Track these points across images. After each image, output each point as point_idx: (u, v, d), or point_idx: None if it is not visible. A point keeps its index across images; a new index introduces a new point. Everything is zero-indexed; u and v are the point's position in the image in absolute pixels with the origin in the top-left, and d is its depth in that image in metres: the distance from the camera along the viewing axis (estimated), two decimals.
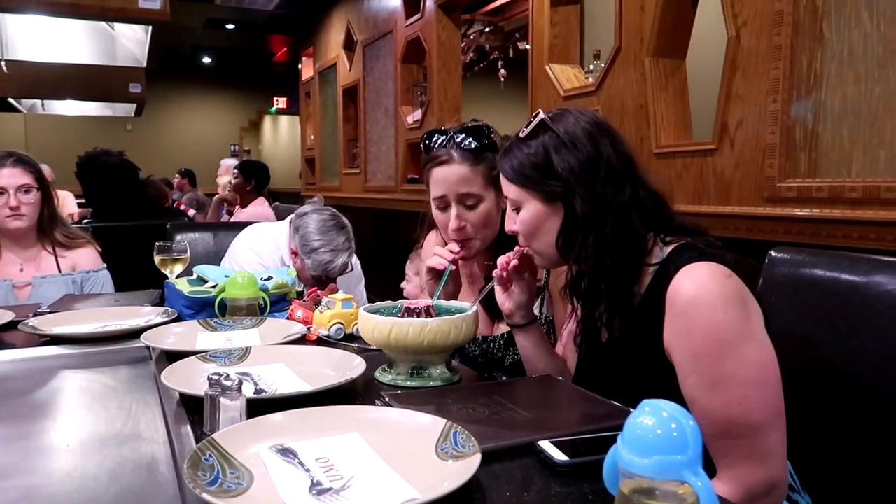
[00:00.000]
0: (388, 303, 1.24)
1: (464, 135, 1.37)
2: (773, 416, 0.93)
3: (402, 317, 1.14)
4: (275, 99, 12.18)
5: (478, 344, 1.46)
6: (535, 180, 1.08)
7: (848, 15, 1.85)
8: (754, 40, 2.08)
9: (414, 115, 4.75)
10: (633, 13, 2.58)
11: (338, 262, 2.11)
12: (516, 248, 1.19)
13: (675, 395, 0.96)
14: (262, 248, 2.27)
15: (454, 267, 1.31)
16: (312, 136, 7.20)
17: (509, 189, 1.12)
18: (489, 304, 1.33)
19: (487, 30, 6.13)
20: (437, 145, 1.38)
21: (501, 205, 1.41)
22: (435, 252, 1.36)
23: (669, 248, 1.04)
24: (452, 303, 1.26)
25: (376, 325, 1.11)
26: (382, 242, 5.25)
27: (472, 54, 6.32)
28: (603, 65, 2.85)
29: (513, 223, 1.14)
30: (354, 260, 2.38)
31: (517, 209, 1.12)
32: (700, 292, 0.94)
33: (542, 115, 1.10)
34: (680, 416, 0.55)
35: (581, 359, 1.19)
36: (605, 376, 1.10)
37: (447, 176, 1.36)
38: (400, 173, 4.86)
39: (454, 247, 1.34)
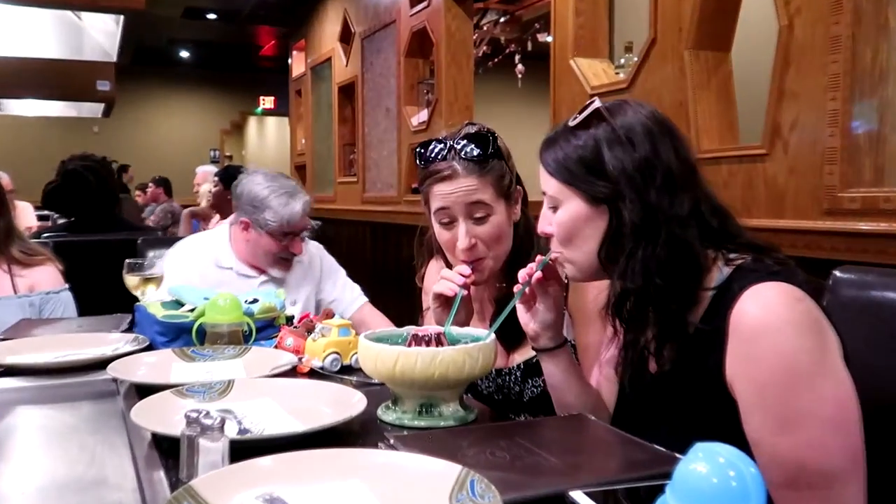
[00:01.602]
0: (392, 329, 1.24)
1: (466, 142, 1.37)
2: (851, 462, 0.91)
3: (409, 345, 1.13)
4: (261, 98, 12.28)
5: (491, 379, 1.45)
6: (580, 177, 1.07)
7: None
8: (809, 30, 2.07)
9: (419, 116, 4.77)
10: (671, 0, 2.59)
11: (298, 205, 2.13)
12: (538, 257, 1.18)
13: (737, 438, 0.94)
14: (190, 264, 2.22)
15: (465, 292, 1.30)
16: (303, 141, 7.24)
17: (549, 184, 1.11)
18: (502, 331, 1.32)
19: (503, 20, 6.17)
20: (435, 157, 1.38)
21: (512, 217, 1.42)
22: (442, 276, 1.35)
23: (731, 268, 1.02)
24: (467, 330, 1.25)
25: (379, 356, 1.10)
26: (383, 261, 5.25)
27: (485, 47, 6.36)
28: (636, 59, 2.85)
29: (547, 223, 1.14)
30: (322, 249, 2.40)
31: (554, 208, 1.11)
32: (768, 317, 0.93)
33: (597, 104, 1.09)
34: (739, 462, 0.54)
35: (623, 393, 1.17)
36: (652, 414, 1.09)
37: (452, 191, 1.36)
38: (403, 182, 4.88)
39: (464, 269, 1.34)
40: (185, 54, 11.31)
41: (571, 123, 1.10)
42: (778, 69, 2.15)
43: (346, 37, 5.89)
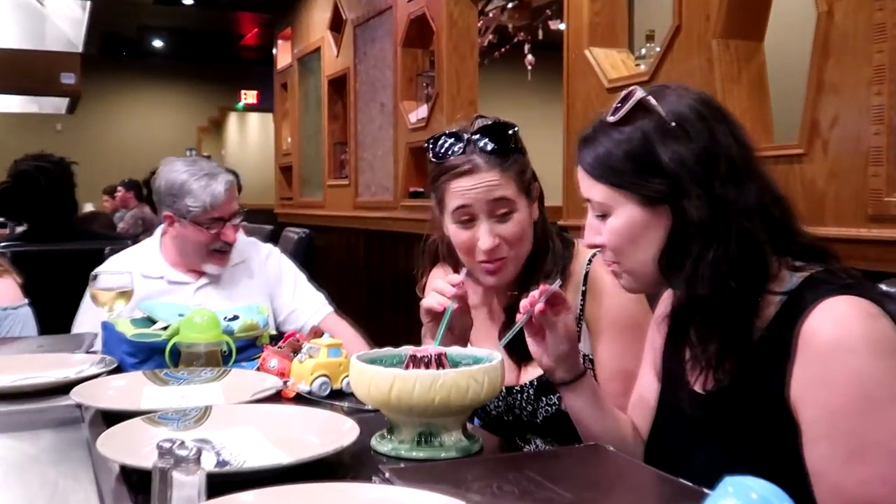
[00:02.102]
0: (387, 350, 1.24)
1: (486, 134, 1.38)
2: None
3: (407, 367, 1.13)
4: (243, 92, 12.30)
5: (501, 398, 1.45)
6: (631, 177, 1.06)
7: None
8: (851, 17, 2.08)
9: (418, 113, 4.77)
10: None
11: (219, 185, 2.13)
12: (542, 285, 1.18)
13: (792, 464, 0.94)
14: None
15: (457, 305, 1.30)
16: (290, 139, 7.25)
17: (593, 190, 1.10)
18: (513, 344, 1.33)
19: (511, 5, 6.19)
20: (451, 153, 1.38)
21: (532, 216, 1.43)
22: (433, 288, 1.35)
23: (800, 277, 1.02)
24: (471, 350, 1.25)
25: (373, 379, 1.10)
26: (378, 273, 5.25)
27: (491, 36, 6.37)
28: (658, 49, 2.86)
29: (595, 234, 1.12)
30: (277, 252, 2.38)
31: (604, 216, 1.10)
32: (843, 335, 0.93)
33: (639, 94, 1.08)
34: (774, 499, 0.54)
35: (662, 414, 1.17)
36: (691, 439, 1.09)
37: (473, 186, 1.37)
38: (400, 186, 4.88)
39: (455, 277, 1.34)
40: (158, 44, 11.34)
41: (611, 118, 1.09)
42: (816, 60, 2.15)
43: (336, 24, 5.91)
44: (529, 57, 6.27)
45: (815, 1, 2.17)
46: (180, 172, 2.15)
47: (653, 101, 1.07)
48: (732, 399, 1.03)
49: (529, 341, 1.22)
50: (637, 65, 3.13)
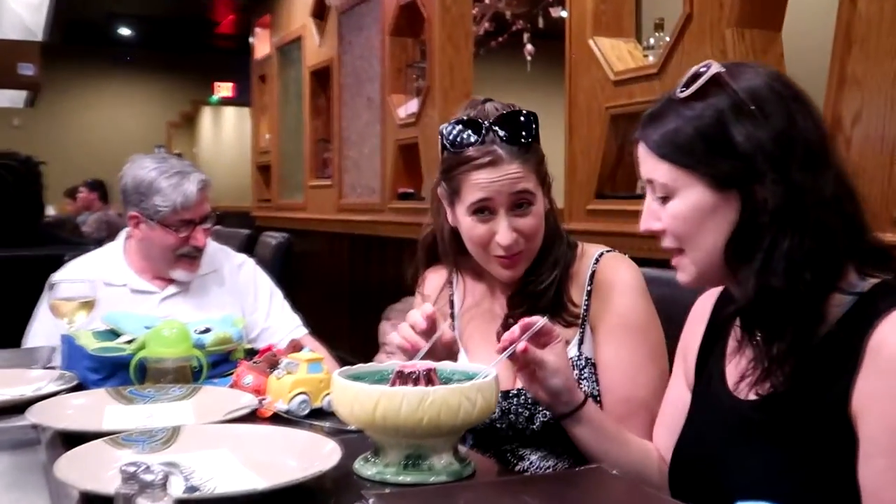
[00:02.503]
0: (372, 365, 1.23)
1: (505, 126, 1.41)
2: None
3: (393, 384, 1.13)
4: (217, 85, 12.30)
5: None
6: (701, 157, 1.06)
7: None
8: (876, 4, 2.09)
9: (407, 107, 4.78)
10: None
11: (191, 185, 2.13)
12: (523, 321, 1.19)
13: (845, 480, 0.96)
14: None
15: (429, 345, 1.30)
16: (268, 136, 7.25)
17: (657, 169, 1.10)
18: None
19: None
20: (471, 142, 1.41)
21: (545, 206, 1.47)
22: (400, 334, 1.35)
23: (870, 282, 1.04)
24: (463, 365, 1.25)
25: (356, 397, 1.10)
26: (364, 281, 5.26)
27: (487, 24, 6.38)
28: (668, 38, 2.87)
29: (654, 219, 1.12)
30: (252, 263, 2.38)
31: (665, 198, 1.10)
32: None
33: (715, 68, 1.09)
34: None
35: (705, 425, 1.17)
36: (735, 450, 1.09)
37: (496, 178, 1.40)
38: (388, 187, 4.89)
39: (427, 308, 1.35)
40: (126, 32, 11.34)
41: (681, 94, 1.09)
42: (838, 51, 2.17)
43: (319, 11, 5.92)
44: (529, 47, 6.27)
45: None
46: (149, 170, 2.15)
47: (727, 77, 1.07)
48: (785, 406, 1.04)
49: (520, 375, 1.24)
50: (645, 56, 3.14)
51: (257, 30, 7.46)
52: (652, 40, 3.27)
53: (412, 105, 4.72)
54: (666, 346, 1.46)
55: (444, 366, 1.23)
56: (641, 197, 3.63)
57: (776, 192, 1.02)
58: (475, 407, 1.09)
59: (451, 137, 1.43)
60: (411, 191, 4.78)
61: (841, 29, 2.17)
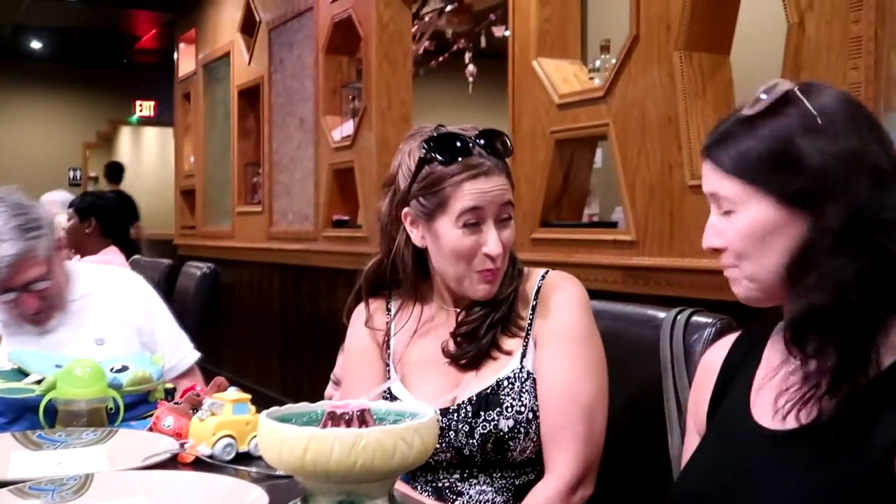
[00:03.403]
0: (302, 406, 1.23)
1: (489, 140, 1.51)
2: None
3: (325, 426, 1.13)
4: (138, 103, 12.17)
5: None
6: (770, 174, 1.10)
7: None
8: (825, 29, 2.17)
9: (342, 129, 4.79)
10: None
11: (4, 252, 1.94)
12: None
13: None
14: None
15: None
16: (193, 158, 7.19)
17: (723, 184, 1.13)
18: (451, 354, 1.46)
19: (450, 9, 6.26)
20: (461, 155, 1.49)
21: None
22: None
23: None
24: (399, 405, 1.25)
25: (285, 440, 1.09)
26: (295, 314, 5.22)
27: (427, 43, 6.43)
28: (614, 61, 2.93)
29: (716, 236, 1.15)
30: (140, 283, 2.29)
31: (730, 212, 1.13)
32: None
33: (787, 85, 1.13)
34: None
35: (721, 459, 1.19)
36: (753, 486, 1.11)
37: (490, 189, 1.49)
38: (322, 213, 4.87)
39: (335, 395, 1.38)
40: (36, 45, 11.17)
41: (748, 112, 1.13)
42: (787, 75, 2.23)
43: (248, 27, 5.91)
44: (471, 67, 6.34)
45: (785, 11, 2.26)
46: None
47: (799, 94, 1.12)
48: (819, 438, 1.06)
49: None
50: (591, 78, 3.20)
51: (181, 45, 7.42)
52: (598, 62, 3.34)
53: (347, 127, 4.73)
54: (607, 368, 1.52)
55: (380, 406, 1.23)
56: (588, 226, 3.69)
57: (843, 213, 1.06)
58: (412, 449, 1.09)
59: (435, 152, 1.50)
60: (346, 218, 4.78)
61: (789, 54, 2.24)
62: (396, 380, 1.56)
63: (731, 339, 1.30)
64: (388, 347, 1.60)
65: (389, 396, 1.52)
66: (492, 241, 1.48)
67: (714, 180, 1.14)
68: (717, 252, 1.16)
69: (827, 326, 1.07)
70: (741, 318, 1.30)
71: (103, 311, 2.16)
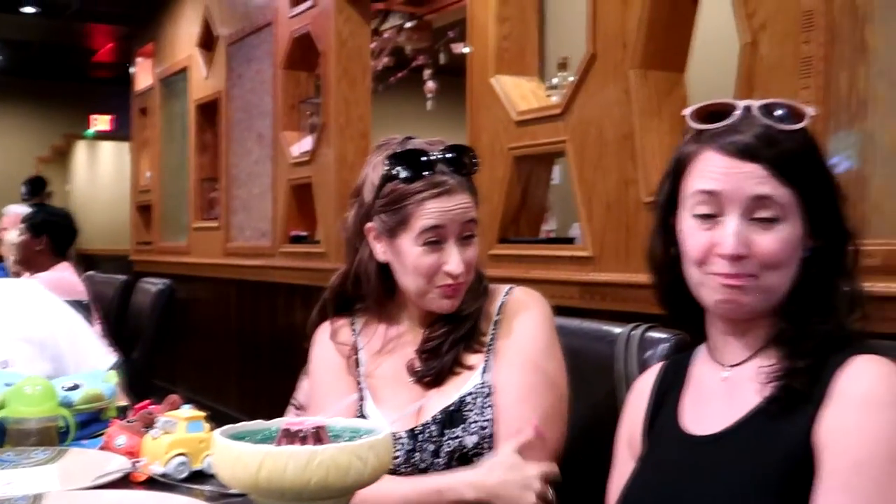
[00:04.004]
0: (257, 423, 1.22)
1: (454, 157, 1.51)
2: None
3: (279, 444, 1.12)
4: (93, 117, 12.07)
5: (401, 445, 1.48)
6: (817, 189, 1.15)
7: None
8: (776, 49, 2.21)
9: (301, 145, 4.78)
10: (613, 8, 2.70)
11: None
12: None
13: None
14: None
15: None
16: (149, 173, 7.13)
17: (779, 190, 1.13)
18: (415, 371, 1.49)
19: (409, 25, 6.30)
20: (423, 173, 1.49)
21: None
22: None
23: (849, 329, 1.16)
24: (355, 421, 1.25)
25: (239, 458, 1.08)
26: (252, 330, 5.19)
27: (386, 59, 6.46)
28: (571, 78, 2.95)
29: (743, 244, 1.12)
30: (38, 292, 2.23)
31: (770, 220, 1.13)
32: (883, 389, 1.05)
33: (813, 110, 1.17)
34: None
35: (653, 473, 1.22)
36: (683, 489, 1.15)
37: (451, 207, 1.49)
38: (279, 229, 4.85)
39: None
40: None
41: (791, 126, 1.15)
42: (740, 94, 2.26)
43: (206, 42, 5.89)
44: (430, 83, 6.38)
45: (738, 30, 2.30)
46: None
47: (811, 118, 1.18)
48: (746, 437, 1.12)
49: None
50: (549, 95, 3.23)
51: (139, 59, 7.36)
52: (556, 80, 3.36)
53: (306, 143, 4.72)
54: (567, 383, 1.53)
55: (335, 422, 1.23)
56: (546, 242, 3.70)
57: (839, 232, 1.16)
58: (367, 466, 1.09)
59: (398, 169, 1.50)
60: (304, 234, 4.76)
61: (743, 73, 2.28)
62: (368, 397, 1.55)
63: (657, 368, 1.35)
64: (357, 365, 1.59)
65: (361, 415, 1.51)
66: (453, 260, 1.49)
67: (766, 184, 1.12)
68: (732, 260, 1.13)
69: (817, 340, 1.13)
70: (695, 334, 1.32)
71: (1, 330, 2.06)
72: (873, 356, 1.09)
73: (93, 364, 2.11)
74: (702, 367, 1.25)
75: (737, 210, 1.13)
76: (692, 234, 1.16)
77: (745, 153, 1.13)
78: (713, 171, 1.15)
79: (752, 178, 1.12)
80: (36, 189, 9.15)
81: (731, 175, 1.13)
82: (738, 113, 1.16)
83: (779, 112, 1.15)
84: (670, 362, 1.33)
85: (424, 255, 1.49)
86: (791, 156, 1.13)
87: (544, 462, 1.42)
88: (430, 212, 1.48)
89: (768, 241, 1.12)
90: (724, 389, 1.19)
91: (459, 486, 1.39)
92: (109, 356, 2.21)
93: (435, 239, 1.49)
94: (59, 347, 2.11)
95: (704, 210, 1.15)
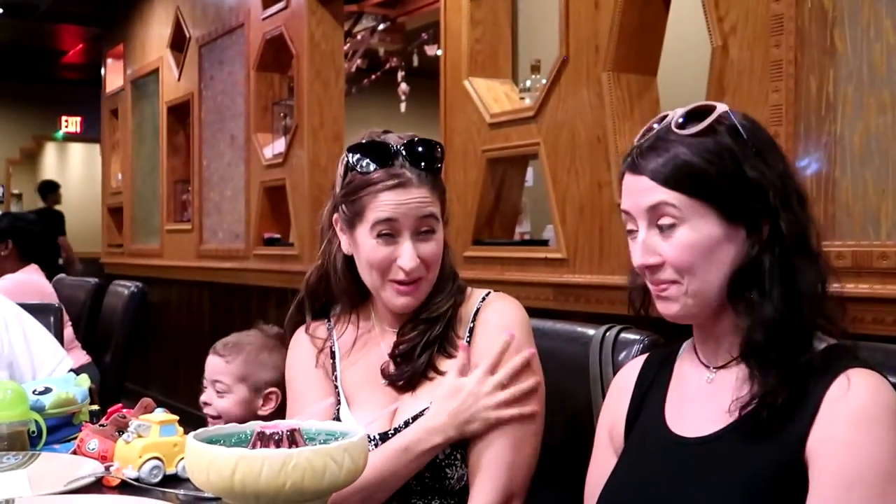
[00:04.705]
0: (231, 426, 1.22)
1: (416, 151, 1.48)
2: None
3: (254, 447, 1.12)
4: (63, 119, 11.98)
5: (371, 443, 1.46)
6: (716, 189, 1.13)
7: (865, 23, 2.02)
8: (747, 52, 2.23)
9: (274, 147, 4.77)
10: (585, 12, 2.72)
11: None
12: None
13: None
14: None
15: None
16: (121, 175, 7.08)
17: (667, 197, 1.14)
18: (389, 374, 1.47)
19: (382, 27, 6.30)
20: (379, 165, 1.47)
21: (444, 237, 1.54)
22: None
23: (825, 341, 1.15)
24: (329, 424, 1.25)
25: (213, 461, 1.08)
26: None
27: (359, 61, 6.46)
28: (544, 81, 2.97)
29: (651, 253, 1.15)
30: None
31: (670, 227, 1.15)
32: (875, 405, 1.05)
33: (725, 107, 1.17)
34: None
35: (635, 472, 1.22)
36: (668, 491, 1.15)
37: (404, 201, 1.46)
38: (253, 231, 4.84)
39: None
40: None
41: (685, 130, 1.16)
42: (712, 97, 2.29)
43: (178, 43, 5.86)
44: (403, 86, 6.38)
45: (709, 34, 2.32)
46: None
47: (734, 117, 1.17)
48: (735, 441, 1.12)
49: None
50: (522, 98, 3.24)
51: (109, 61, 7.31)
52: (529, 82, 3.38)
53: (279, 144, 4.71)
54: (544, 396, 1.50)
55: (310, 425, 1.23)
56: (520, 244, 3.72)
57: (787, 227, 1.13)
58: (342, 469, 1.09)
59: (358, 159, 1.48)
60: (278, 236, 4.75)
61: (714, 76, 2.30)
62: (343, 400, 1.53)
63: (640, 360, 1.35)
64: (333, 370, 1.58)
65: (337, 418, 1.50)
66: (406, 254, 1.46)
67: (655, 193, 1.15)
68: (649, 269, 1.17)
69: (777, 338, 1.12)
70: (669, 335, 1.33)
71: None
72: (865, 370, 1.09)
73: (49, 368, 2.10)
74: (687, 365, 1.26)
75: (644, 222, 1.17)
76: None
77: (634, 167, 1.18)
78: (625, 190, 1.20)
79: (643, 190, 1.16)
80: (44, 193, 9.34)
81: (631, 191, 1.18)
82: (656, 126, 1.20)
83: (681, 119, 1.17)
84: (655, 354, 1.33)
85: (377, 248, 1.47)
86: (675, 161, 1.14)
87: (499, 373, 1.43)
88: (384, 204, 1.46)
89: (671, 246, 1.15)
90: (709, 392, 1.19)
91: (422, 434, 1.40)
92: (67, 359, 2.18)
93: (388, 232, 1.47)
94: (13, 353, 2.09)
95: (630, 226, 1.19)
